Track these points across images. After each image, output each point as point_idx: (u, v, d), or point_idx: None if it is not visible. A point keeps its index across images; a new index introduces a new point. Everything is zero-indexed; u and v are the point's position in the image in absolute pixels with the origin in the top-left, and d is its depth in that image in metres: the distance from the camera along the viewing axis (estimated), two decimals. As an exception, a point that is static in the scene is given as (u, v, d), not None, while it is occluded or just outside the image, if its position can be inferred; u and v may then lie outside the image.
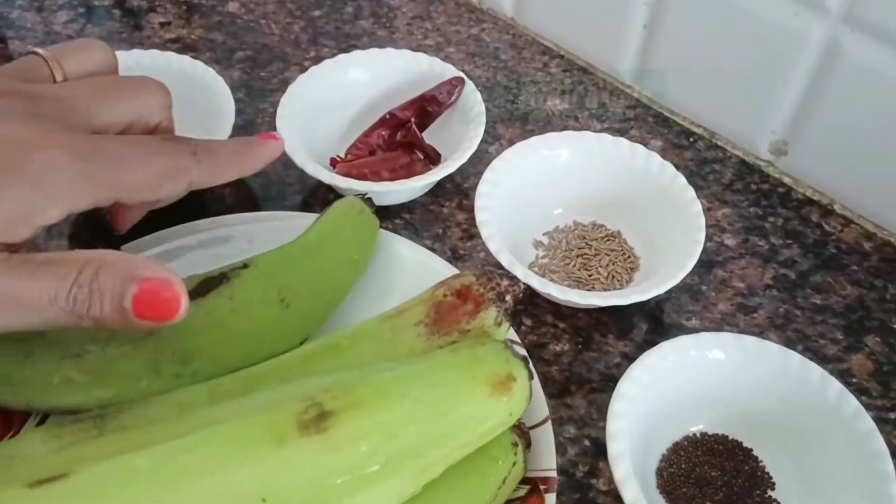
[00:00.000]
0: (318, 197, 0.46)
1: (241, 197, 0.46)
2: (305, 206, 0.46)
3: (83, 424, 0.29)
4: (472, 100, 0.45)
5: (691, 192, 0.41)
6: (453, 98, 0.46)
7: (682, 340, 0.35)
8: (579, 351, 0.40)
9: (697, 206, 0.40)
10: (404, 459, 0.26)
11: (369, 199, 0.40)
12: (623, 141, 0.43)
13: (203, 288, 0.34)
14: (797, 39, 0.43)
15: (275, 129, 0.49)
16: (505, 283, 0.32)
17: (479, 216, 0.40)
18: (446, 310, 0.32)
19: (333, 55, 0.55)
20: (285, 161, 0.48)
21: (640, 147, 0.43)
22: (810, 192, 0.47)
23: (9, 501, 0.24)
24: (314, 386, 0.27)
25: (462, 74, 0.47)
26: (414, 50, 0.55)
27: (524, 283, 0.33)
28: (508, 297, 0.32)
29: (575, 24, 0.54)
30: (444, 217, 0.46)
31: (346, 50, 0.55)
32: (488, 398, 0.28)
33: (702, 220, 0.40)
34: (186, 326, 0.33)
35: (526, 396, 0.29)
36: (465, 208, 0.46)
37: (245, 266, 0.35)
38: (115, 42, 0.55)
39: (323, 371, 0.31)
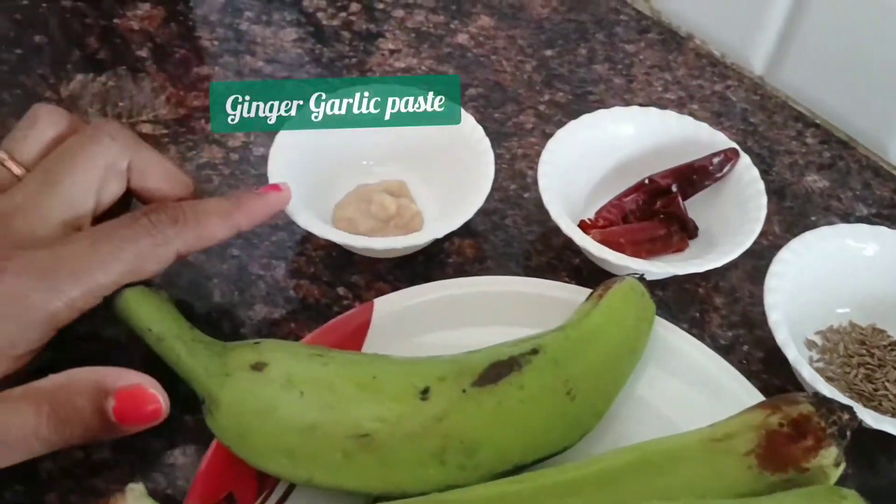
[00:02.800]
0: (563, 260, 0.43)
1: (480, 252, 0.44)
2: (550, 269, 0.43)
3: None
4: (748, 177, 0.42)
5: None
6: (724, 171, 0.42)
7: None
8: (865, 477, 0.36)
9: None
10: None
11: (644, 279, 0.37)
12: (929, 243, 0.39)
13: (492, 374, 0.31)
14: None
15: (521, 179, 0.46)
16: (846, 416, 0.28)
17: (772, 315, 0.36)
18: (781, 442, 0.28)
19: (568, 101, 0.52)
20: (527, 216, 0.45)
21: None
22: None
23: None
24: None
25: (736, 146, 0.43)
26: (654, 103, 0.52)
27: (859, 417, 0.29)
28: (848, 433, 0.28)
29: (838, 91, 0.49)
30: (701, 299, 0.42)
31: (583, 96, 0.52)
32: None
33: None
34: (477, 415, 0.30)
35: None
36: (721, 291, 0.42)
37: (534, 352, 0.32)
38: (344, 66, 0.53)
39: (635, 494, 0.28)
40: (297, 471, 0.30)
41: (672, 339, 0.37)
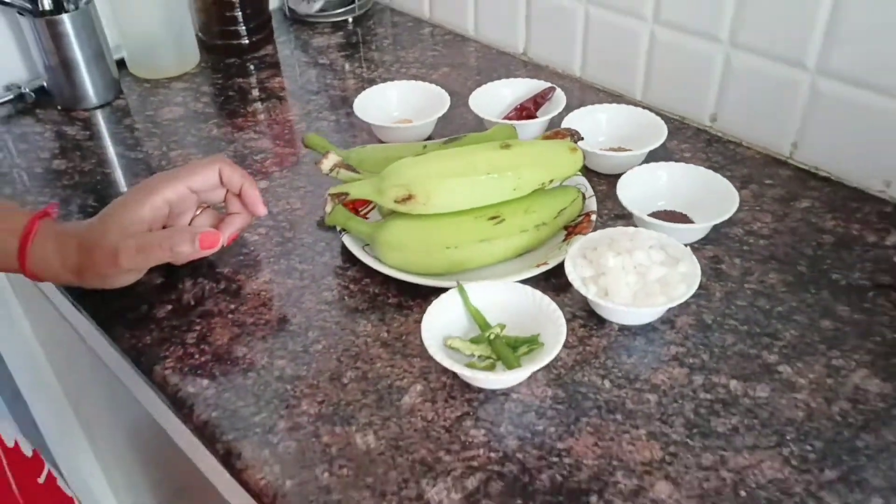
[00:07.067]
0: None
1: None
2: (476, 145, 0.93)
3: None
4: (558, 96, 0.93)
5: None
6: (549, 96, 0.94)
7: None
8: (612, 192, 0.84)
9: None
10: (532, 167, 0.71)
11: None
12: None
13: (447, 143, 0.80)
14: None
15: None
16: (575, 133, 0.78)
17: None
18: (549, 137, 0.77)
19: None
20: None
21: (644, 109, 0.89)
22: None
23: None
24: (497, 142, 0.72)
25: (554, 86, 0.94)
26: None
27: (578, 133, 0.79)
28: (576, 137, 0.77)
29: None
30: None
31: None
32: (569, 152, 0.73)
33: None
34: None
35: (581, 163, 0.74)
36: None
37: (457, 139, 0.81)
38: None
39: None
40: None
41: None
